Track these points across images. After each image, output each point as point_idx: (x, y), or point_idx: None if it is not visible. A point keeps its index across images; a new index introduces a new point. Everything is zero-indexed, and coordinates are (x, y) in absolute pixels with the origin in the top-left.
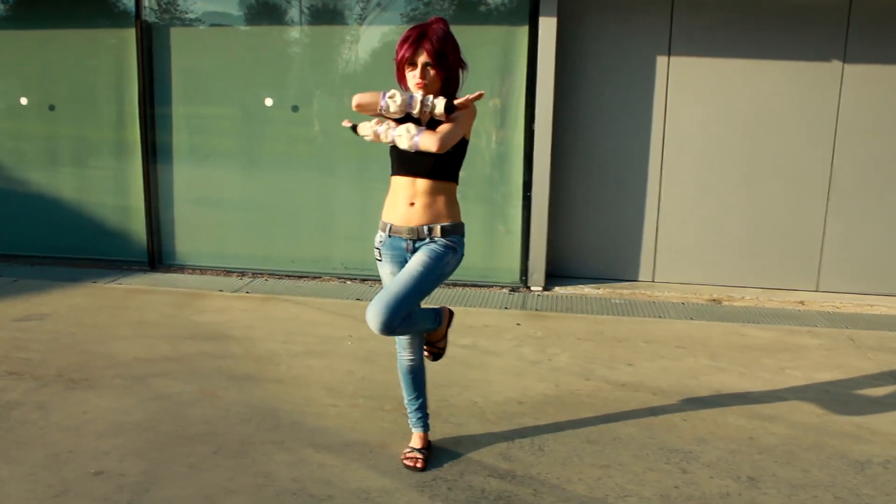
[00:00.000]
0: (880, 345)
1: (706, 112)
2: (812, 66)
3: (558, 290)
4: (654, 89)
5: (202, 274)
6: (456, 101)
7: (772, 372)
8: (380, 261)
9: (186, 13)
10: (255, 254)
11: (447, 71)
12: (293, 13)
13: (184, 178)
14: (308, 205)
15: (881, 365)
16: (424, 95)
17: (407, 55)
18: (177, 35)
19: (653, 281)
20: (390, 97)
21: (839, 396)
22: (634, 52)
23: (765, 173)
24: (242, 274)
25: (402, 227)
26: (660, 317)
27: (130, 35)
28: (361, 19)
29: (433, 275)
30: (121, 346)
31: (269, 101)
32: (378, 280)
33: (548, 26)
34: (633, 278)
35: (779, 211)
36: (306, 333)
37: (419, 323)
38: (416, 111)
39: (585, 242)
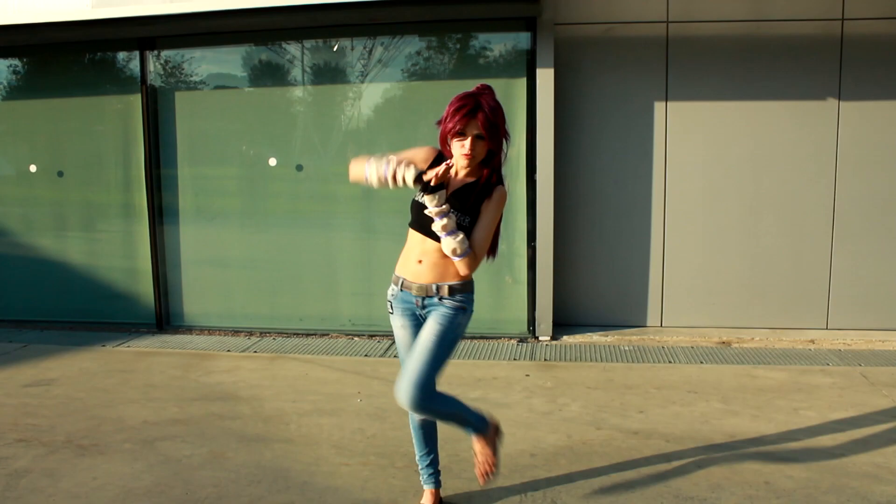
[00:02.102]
0: (894, 381)
1: (706, 154)
2: (808, 104)
3: (567, 338)
4: (654, 134)
5: (210, 334)
6: (425, 176)
7: (785, 413)
8: (392, 313)
9: (191, 76)
10: (262, 313)
11: (497, 143)
12: (296, 73)
13: (190, 239)
14: (314, 262)
15: None
16: (399, 163)
17: (459, 127)
18: (181, 98)
19: (661, 326)
20: (369, 168)
21: (856, 436)
22: (632, 98)
23: (768, 212)
24: (250, 333)
25: (412, 283)
26: (670, 362)
27: (136, 100)
28: (363, 76)
29: (447, 341)
30: (130, 409)
31: (272, 161)
32: (388, 334)
33: (545, 77)
34: (641, 324)
35: (784, 249)
36: (315, 392)
37: (454, 407)
38: (390, 183)
39: (592, 290)
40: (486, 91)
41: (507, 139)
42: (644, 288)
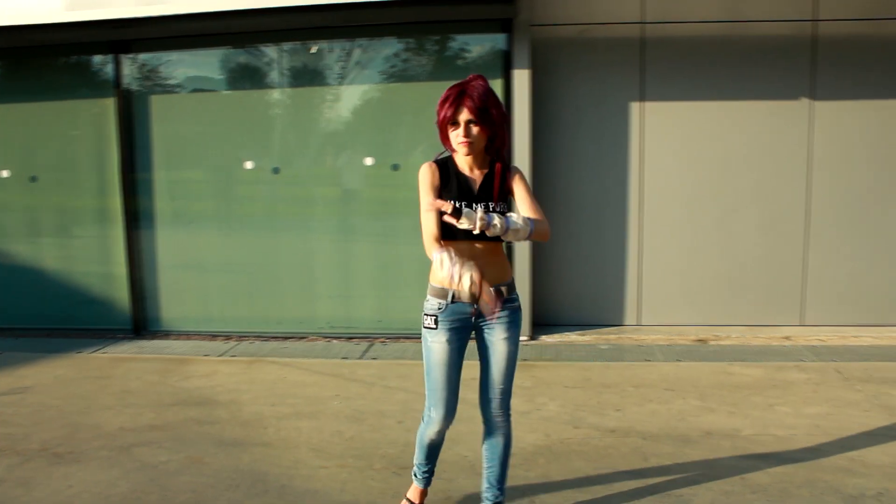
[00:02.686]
0: (867, 376)
1: (682, 154)
2: (782, 104)
3: (545, 338)
4: (630, 134)
5: (188, 339)
6: (473, 287)
7: (761, 409)
8: (433, 328)
9: (167, 80)
10: (240, 316)
11: (491, 127)
12: (273, 76)
13: (166, 243)
14: (291, 265)
15: (869, 396)
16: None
17: (448, 114)
18: (157, 102)
19: (638, 324)
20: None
21: (830, 430)
22: (608, 98)
23: (743, 211)
24: (228, 337)
25: (466, 292)
26: (647, 360)
27: (111, 104)
28: (341, 79)
29: (518, 343)
30: (106, 416)
31: (249, 164)
32: (365, 337)
33: (521, 78)
34: (618, 323)
35: (759, 248)
36: (293, 395)
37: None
38: (489, 228)
39: (570, 289)
40: (475, 78)
41: (507, 123)
42: (621, 287)
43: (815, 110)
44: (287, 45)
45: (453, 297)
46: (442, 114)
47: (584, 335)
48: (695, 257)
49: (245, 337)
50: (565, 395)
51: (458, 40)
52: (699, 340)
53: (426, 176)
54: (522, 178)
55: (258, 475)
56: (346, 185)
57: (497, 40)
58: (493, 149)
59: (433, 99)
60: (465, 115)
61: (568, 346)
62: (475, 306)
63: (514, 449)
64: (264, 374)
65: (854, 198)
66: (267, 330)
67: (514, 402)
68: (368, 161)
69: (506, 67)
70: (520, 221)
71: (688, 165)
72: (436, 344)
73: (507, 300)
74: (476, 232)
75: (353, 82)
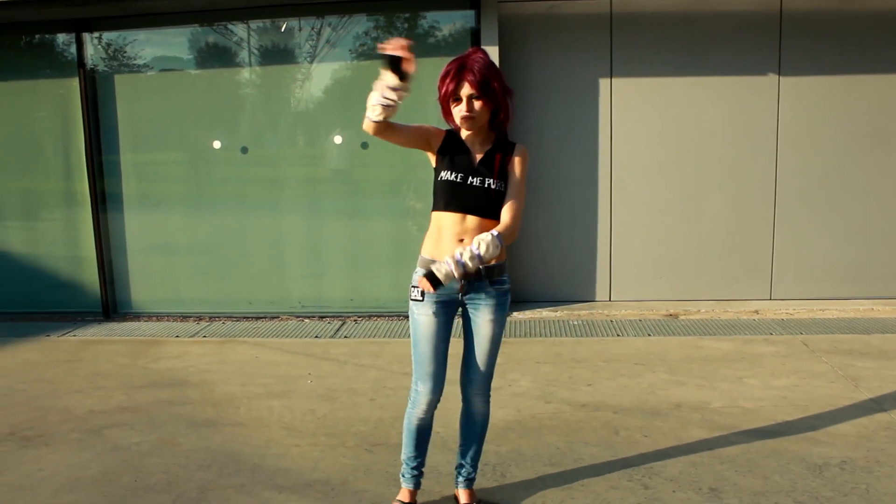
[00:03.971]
0: (833, 348)
1: (651, 130)
2: (749, 79)
3: (516, 315)
4: (599, 110)
5: (158, 321)
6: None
7: (730, 382)
8: (419, 300)
9: (132, 59)
10: (211, 297)
11: (494, 101)
12: (242, 54)
13: (135, 225)
14: (262, 245)
15: (835, 368)
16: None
17: (451, 89)
18: (122, 82)
19: (609, 300)
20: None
21: (796, 401)
22: (577, 75)
23: (711, 187)
24: (199, 318)
25: None
26: (618, 335)
27: (75, 84)
28: (311, 57)
29: (503, 327)
30: (75, 399)
31: (216, 144)
32: (338, 315)
33: (489, 54)
34: (590, 298)
35: (728, 223)
36: (265, 375)
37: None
38: (466, 271)
39: (541, 266)
40: (475, 51)
41: (510, 96)
42: (592, 263)
43: (782, 86)
44: (256, 24)
45: None
46: (444, 89)
47: (555, 311)
48: (665, 233)
49: (217, 317)
50: (537, 371)
51: (429, 18)
52: (669, 315)
53: (433, 128)
54: (523, 161)
55: (230, 455)
56: (316, 163)
57: (467, 17)
58: (497, 122)
59: None
60: (466, 90)
61: (540, 322)
62: (463, 282)
63: None
64: (236, 355)
65: (820, 173)
66: (238, 310)
67: None
68: (338, 139)
69: (474, 44)
70: (491, 248)
71: (657, 141)
72: (422, 317)
73: (497, 282)
74: (460, 279)
75: (323, 60)
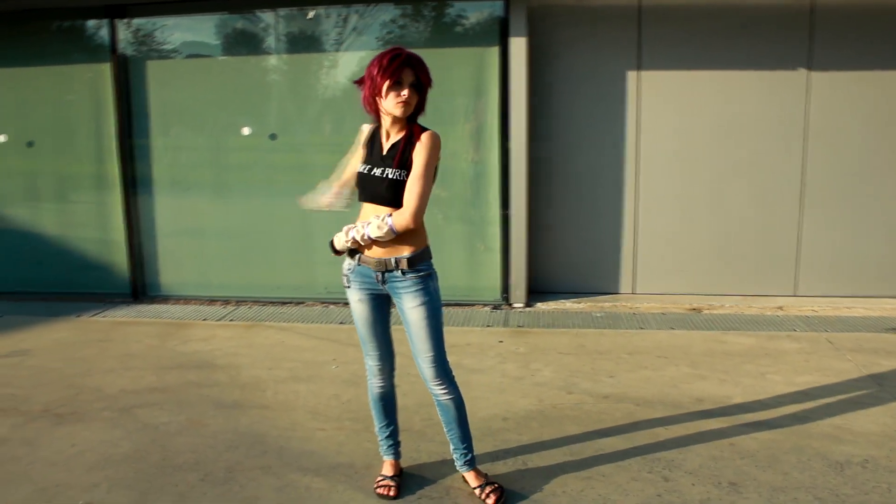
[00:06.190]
0: (858, 346)
1: (678, 123)
2: (779, 73)
3: (540, 305)
4: (626, 103)
5: (186, 304)
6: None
7: (752, 377)
8: (348, 287)
9: (163, 45)
10: (238, 282)
11: (422, 93)
12: (270, 41)
13: (164, 208)
14: (289, 231)
15: (859, 366)
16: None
17: (397, 76)
18: (153, 67)
19: (633, 293)
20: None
21: (819, 399)
22: (605, 66)
23: (738, 181)
24: (226, 302)
25: (370, 258)
26: (641, 328)
27: (107, 69)
28: (338, 45)
29: (432, 311)
30: (107, 378)
31: (246, 130)
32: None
33: (518, 46)
34: (613, 291)
35: (754, 218)
36: (291, 359)
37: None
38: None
39: (565, 257)
40: (402, 48)
41: (430, 87)
42: (616, 255)
43: (812, 81)
44: (284, 11)
45: (360, 259)
46: (385, 77)
47: (579, 303)
48: (690, 226)
49: (243, 302)
50: (559, 362)
51: (456, 7)
52: (693, 309)
53: (360, 136)
54: (424, 147)
55: (257, 436)
56: (343, 151)
57: (495, 7)
58: (415, 114)
59: (430, 66)
60: (409, 78)
61: (563, 313)
62: (379, 274)
63: (507, 413)
64: (262, 339)
65: (849, 169)
66: (265, 295)
67: (510, 368)
68: (365, 128)
69: (503, 35)
70: (375, 229)
71: (684, 135)
72: (352, 302)
73: (414, 270)
74: (350, 244)
75: (350, 49)
